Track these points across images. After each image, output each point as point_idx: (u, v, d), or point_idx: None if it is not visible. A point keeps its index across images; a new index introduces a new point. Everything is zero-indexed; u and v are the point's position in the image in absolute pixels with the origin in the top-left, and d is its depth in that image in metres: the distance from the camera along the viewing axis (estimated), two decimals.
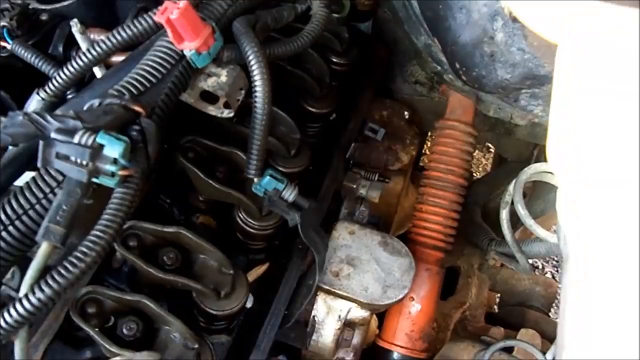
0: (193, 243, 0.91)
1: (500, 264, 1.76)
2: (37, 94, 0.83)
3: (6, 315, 0.59)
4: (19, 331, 0.60)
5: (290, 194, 0.91)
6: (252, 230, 1.03)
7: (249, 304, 1.00)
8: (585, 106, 0.38)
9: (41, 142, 0.62)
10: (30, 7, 1.18)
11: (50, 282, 0.60)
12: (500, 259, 1.39)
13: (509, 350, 1.29)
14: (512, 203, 1.13)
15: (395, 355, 1.23)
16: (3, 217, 0.67)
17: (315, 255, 1.06)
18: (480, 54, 0.95)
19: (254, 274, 1.07)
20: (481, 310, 1.63)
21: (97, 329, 0.80)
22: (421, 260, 1.24)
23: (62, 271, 0.61)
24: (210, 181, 0.96)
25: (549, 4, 0.28)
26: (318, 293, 1.12)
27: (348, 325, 1.13)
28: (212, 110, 0.89)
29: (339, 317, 1.11)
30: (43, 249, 0.61)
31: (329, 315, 1.12)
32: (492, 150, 2.81)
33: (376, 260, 1.13)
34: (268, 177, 0.90)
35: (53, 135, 0.62)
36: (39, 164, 0.64)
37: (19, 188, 0.68)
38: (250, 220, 1.02)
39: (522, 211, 1.05)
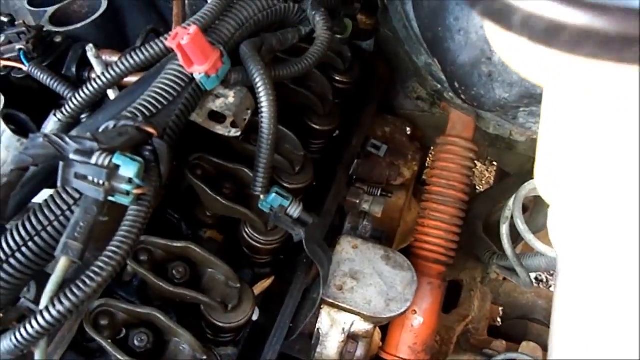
0: (201, 257, 0.94)
1: (503, 277, 1.78)
2: (54, 115, 0.87)
3: (27, 326, 0.62)
4: (39, 342, 0.64)
5: (295, 210, 0.94)
6: (258, 245, 1.06)
7: (255, 317, 1.03)
8: (572, 145, 0.41)
9: (61, 163, 0.66)
10: (44, 29, 1.23)
11: (69, 295, 0.63)
12: (501, 273, 1.41)
13: None
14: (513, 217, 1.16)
15: None
16: (23, 233, 0.70)
17: (319, 269, 1.09)
18: (479, 74, 0.99)
19: (259, 288, 1.10)
20: (484, 323, 1.65)
21: (109, 341, 0.83)
22: (423, 274, 1.27)
23: (80, 285, 0.64)
24: (218, 197, 0.99)
25: (532, 54, 0.31)
26: (322, 306, 1.15)
27: (352, 337, 1.15)
28: (220, 129, 0.92)
29: (343, 329, 1.14)
30: (61, 263, 0.64)
31: (333, 328, 1.14)
32: (495, 163, 2.84)
33: (379, 274, 1.16)
34: (274, 194, 0.93)
35: (72, 156, 0.66)
36: (58, 184, 0.68)
37: (38, 205, 0.71)
38: (256, 235, 1.05)
39: (521, 226, 1.08)
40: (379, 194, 1.36)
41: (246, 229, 1.06)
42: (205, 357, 0.85)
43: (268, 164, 0.90)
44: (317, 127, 1.26)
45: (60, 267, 0.64)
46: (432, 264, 1.30)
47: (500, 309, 1.84)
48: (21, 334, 0.62)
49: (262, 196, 0.93)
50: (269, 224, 1.01)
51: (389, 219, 1.46)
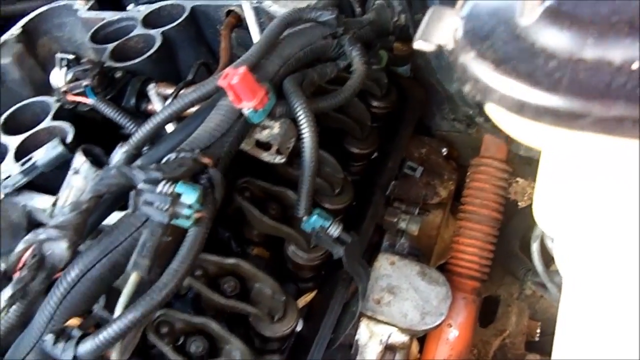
0: (250, 273, 1.03)
1: (540, 295, 1.81)
2: (121, 147, 0.98)
3: (105, 332, 0.72)
4: (115, 345, 0.74)
5: (335, 230, 1.02)
6: (301, 262, 1.14)
7: (298, 328, 1.11)
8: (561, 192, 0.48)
9: (132, 192, 0.76)
10: (105, 65, 1.36)
11: (139, 306, 0.73)
12: (535, 289, 1.45)
13: None
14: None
15: None
16: (97, 252, 0.80)
17: (358, 284, 1.17)
18: None
19: (302, 301, 1.18)
20: (521, 338, 1.68)
21: (169, 347, 0.93)
22: (458, 290, 1.33)
23: (148, 298, 0.74)
24: (264, 218, 1.08)
25: (514, 122, 0.38)
26: (361, 319, 1.22)
27: (389, 349, 1.22)
28: (266, 156, 1.02)
29: (381, 341, 1.21)
30: (132, 278, 0.75)
31: (371, 339, 1.21)
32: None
33: (415, 289, 1.23)
34: (316, 216, 1.01)
35: (140, 185, 0.76)
36: (129, 210, 0.78)
37: (111, 227, 0.82)
38: (299, 252, 1.13)
39: (550, 244, 1.13)
40: (416, 213, 1.43)
41: (290, 247, 1.15)
42: None
43: (310, 188, 0.99)
44: (356, 151, 1.35)
45: (131, 281, 0.74)
46: (467, 280, 1.36)
47: (539, 324, 1.86)
48: (100, 339, 0.72)
49: (304, 218, 1.01)
50: (311, 243, 1.09)
51: (427, 237, 1.52)
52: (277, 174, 1.15)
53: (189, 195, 0.75)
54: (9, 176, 1.13)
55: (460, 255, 1.39)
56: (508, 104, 0.35)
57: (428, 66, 1.34)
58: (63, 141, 1.15)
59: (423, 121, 1.65)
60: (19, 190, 1.11)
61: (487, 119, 1.14)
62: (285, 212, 1.14)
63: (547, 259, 1.32)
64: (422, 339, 1.36)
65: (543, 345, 1.73)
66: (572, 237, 0.51)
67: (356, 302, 1.19)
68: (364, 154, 1.37)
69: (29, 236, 0.76)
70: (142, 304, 0.73)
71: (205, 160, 0.83)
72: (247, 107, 0.91)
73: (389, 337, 1.21)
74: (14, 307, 0.77)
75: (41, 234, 0.74)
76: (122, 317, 0.72)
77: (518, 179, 2.70)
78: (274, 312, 1.02)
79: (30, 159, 1.09)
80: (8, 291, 0.75)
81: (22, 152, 1.19)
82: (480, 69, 0.35)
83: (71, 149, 1.09)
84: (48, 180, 1.14)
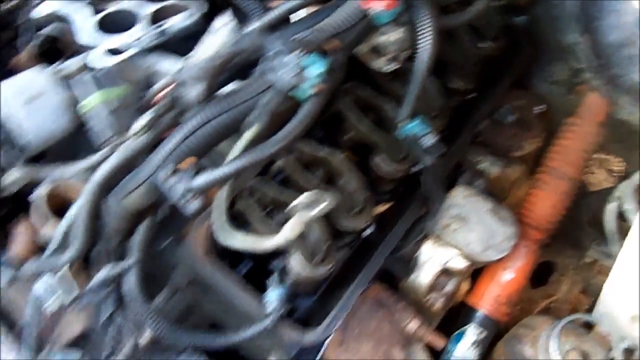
0: (339, 166, 1.11)
1: (597, 270, 1.82)
2: (254, 23, 1.05)
3: (221, 169, 0.82)
4: (224, 185, 0.84)
5: (431, 139, 1.07)
6: (384, 172, 1.19)
7: (368, 231, 1.19)
8: None
9: (263, 57, 0.84)
10: None
11: (254, 153, 0.82)
12: (598, 257, 1.48)
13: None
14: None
15: (478, 313, 1.36)
16: (221, 106, 0.89)
17: (430, 205, 1.23)
18: (622, 55, 1.06)
19: (378, 209, 1.25)
20: (567, 306, 1.71)
21: (257, 210, 1.03)
22: (523, 237, 1.37)
23: (263, 147, 0.83)
24: (362, 121, 1.15)
25: None
26: (427, 238, 1.29)
27: (445, 273, 1.29)
28: (380, 62, 1.07)
29: (440, 263, 1.27)
30: (254, 128, 0.84)
31: (431, 260, 1.28)
32: (615, 174, 2.80)
33: (483, 223, 1.28)
34: (418, 121, 1.06)
35: (272, 52, 0.84)
36: (256, 74, 0.86)
37: (237, 88, 0.91)
38: (385, 163, 1.19)
39: (628, 206, 1.15)
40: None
41: (376, 158, 1.20)
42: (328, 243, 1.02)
43: (417, 94, 1.04)
44: (455, 87, 1.38)
45: (252, 130, 0.83)
46: (534, 230, 1.40)
47: (588, 300, 1.88)
48: (215, 174, 0.82)
49: (404, 122, 1.06)
50: (401, 153, 1.15)
51: (500, 188, 1.55)
52: (377, 86, 1.21)
53: (318, 66, 0.82)
54: (140, 38, 1.23)
55: (533, 207, 1.42)
56: None
57: (548, 15, 1.35)
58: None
59: (523, 78, 1.65)
60: (149, 51, 1.21)
61: (596, 75, 1.16)
62: (381, 124, 1.20)
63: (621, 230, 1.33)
64: (476, 275, 1.42)
65: None
66: None
67: (426, 222, 1.25)
68: (461, 90, 1.40)
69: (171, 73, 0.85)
70: (257, 151, 0.82)
71: (331, 44, 0.90)
72: (377, 7, 0.96)
73: (448, 261, 1.27)
74: (143, 135, 0.88)
75: (182, 73, 0.84)
76: (238, 158, 0.82)
77: (594, 170, 2.64)
78: (353, 206, 1.10)
79: (164, 23, 1.19)
80: (144, 119, 0.86)
81: (155, 20, 1.29)
82: None
83: (204, 21, 1.17)
84: (176, 50, 1.23)
